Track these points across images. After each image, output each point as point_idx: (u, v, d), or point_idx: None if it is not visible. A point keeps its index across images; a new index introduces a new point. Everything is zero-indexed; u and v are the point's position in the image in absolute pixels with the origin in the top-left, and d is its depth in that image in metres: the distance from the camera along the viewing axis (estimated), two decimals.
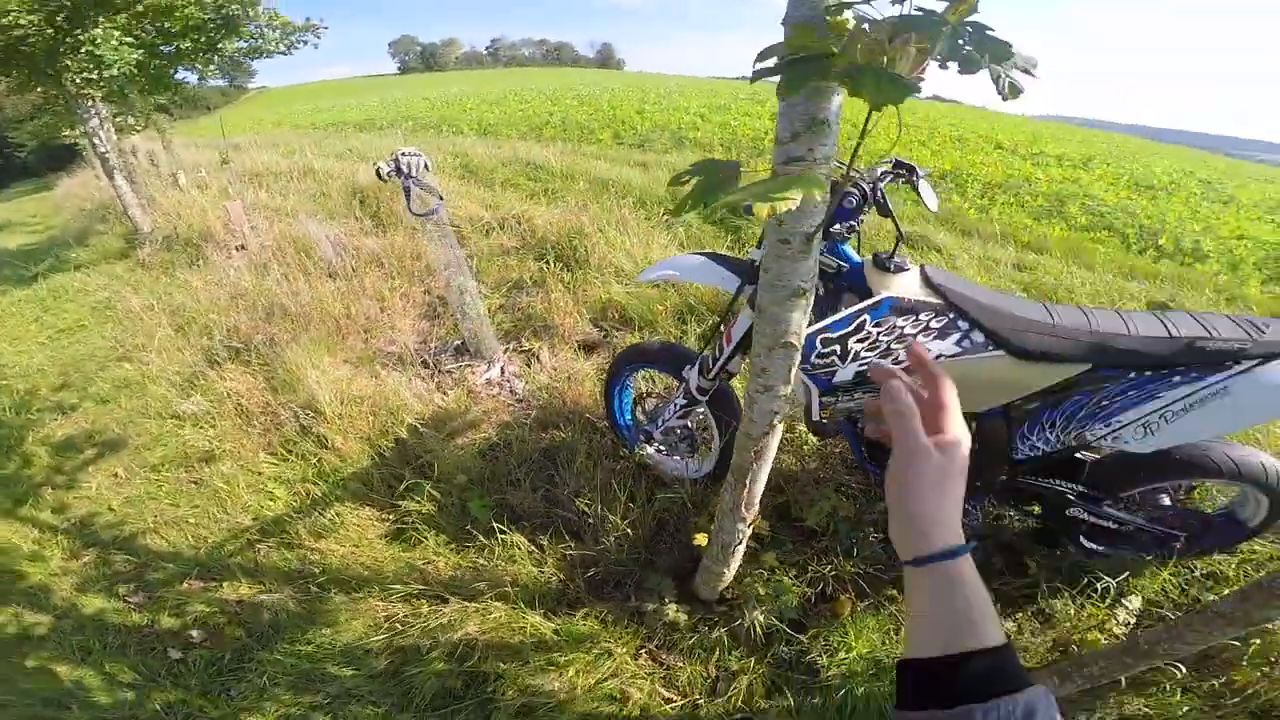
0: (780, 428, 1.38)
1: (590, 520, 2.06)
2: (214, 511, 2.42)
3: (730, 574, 1.76)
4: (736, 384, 2.14)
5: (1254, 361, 1.45)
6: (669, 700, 1.66)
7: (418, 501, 2.23)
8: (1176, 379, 1.52)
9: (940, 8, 0.67)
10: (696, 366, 1.91)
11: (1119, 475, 1.76)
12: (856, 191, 1.59)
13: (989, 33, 0.67)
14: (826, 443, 2.30)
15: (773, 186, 0.73)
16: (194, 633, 1.98)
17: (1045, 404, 1.65)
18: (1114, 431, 1.58)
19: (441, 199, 2.81)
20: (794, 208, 0.71)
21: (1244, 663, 1.59)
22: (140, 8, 4.90)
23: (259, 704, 1.72)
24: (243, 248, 4.68)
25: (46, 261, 5.86)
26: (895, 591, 1.82)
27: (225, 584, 2.13)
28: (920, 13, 0.67)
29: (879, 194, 1.60)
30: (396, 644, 1.82)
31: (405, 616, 1.88)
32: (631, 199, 4.85)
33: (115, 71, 4.70)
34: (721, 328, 1.84)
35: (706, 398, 1.94)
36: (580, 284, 3.62)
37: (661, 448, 2.23)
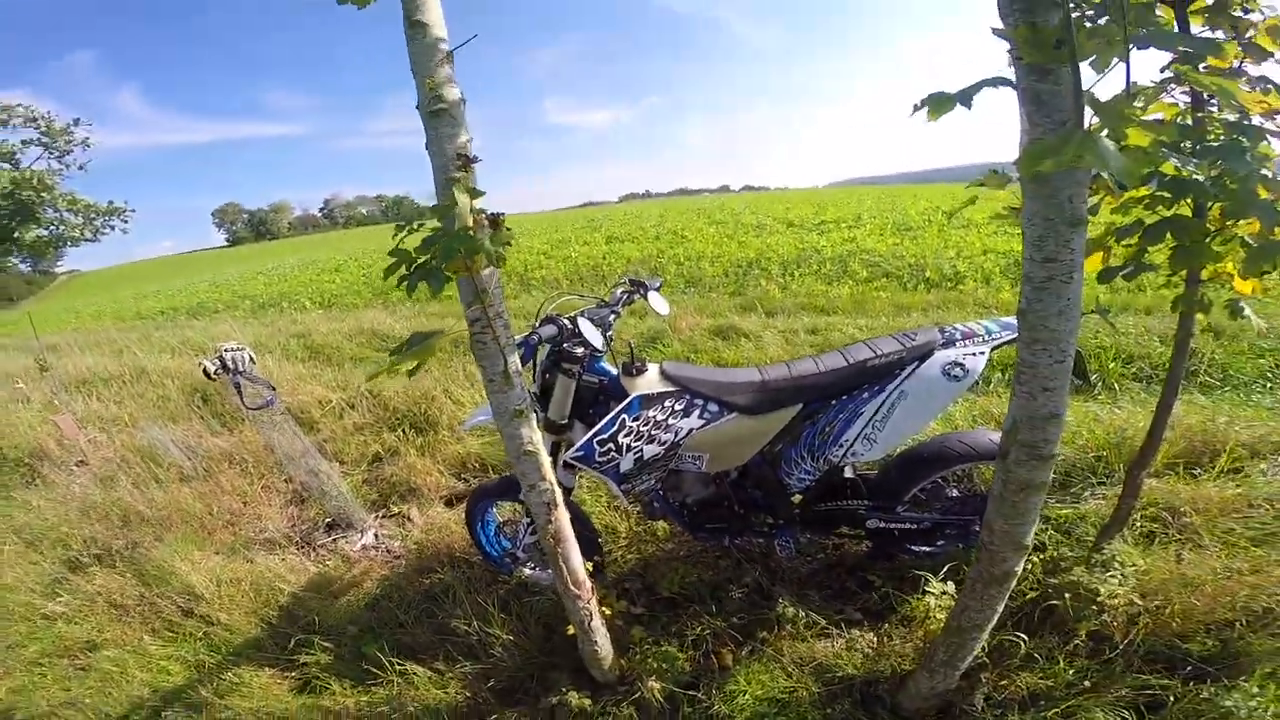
0: (564, 512, 1.66)
1: (476, 639, 2.22)
2: (110, 691, 2.37)
3: (604, 649, 1.88)
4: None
5: (914, 365, 1.82)
6: None
7: (312, 654, 2.33)
8: (865, 395, 1.86)
9: None
10: None
11: (891, 482, 2.04)
12: (538, 335, 1.82)
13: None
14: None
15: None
16: None
17: (787, 443, 1.98)
18: (848, 449, 1.88)
19: (274, 389, 2.90)
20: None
21: (1070, 613, 1.76)
22: None
23: None
24: (83, 462, 4.48)
25: None
26: (765, 633, 2.02)
27: None
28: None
29: (576, 326, 1.88)
30: None
31: None
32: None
33: None
34: None
35: None
36: (435, 445, 3.81)
37: (533, 564, 2.47)
